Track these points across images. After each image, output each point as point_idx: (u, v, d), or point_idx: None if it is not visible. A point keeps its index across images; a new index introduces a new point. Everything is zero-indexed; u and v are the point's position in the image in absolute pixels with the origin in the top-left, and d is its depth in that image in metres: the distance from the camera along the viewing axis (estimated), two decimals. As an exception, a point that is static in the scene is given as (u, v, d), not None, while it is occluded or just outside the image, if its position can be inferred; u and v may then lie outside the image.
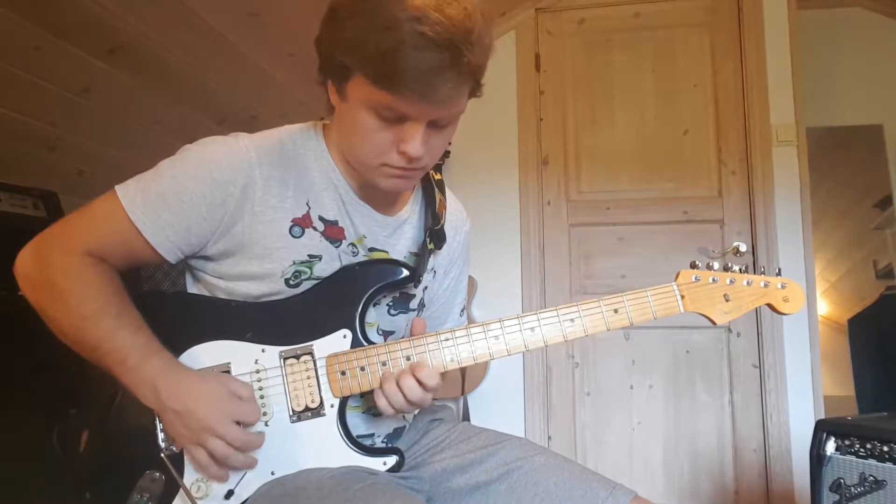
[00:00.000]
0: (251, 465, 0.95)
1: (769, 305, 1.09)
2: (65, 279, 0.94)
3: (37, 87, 1.86)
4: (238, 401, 0.93)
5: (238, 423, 0.92)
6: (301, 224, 0.99)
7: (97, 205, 0.98)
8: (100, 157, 2.19)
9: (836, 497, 1.50)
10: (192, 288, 1.07)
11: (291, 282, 0.99)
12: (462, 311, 1.26)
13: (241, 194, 0.96)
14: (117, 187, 0.97)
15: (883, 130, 3.38)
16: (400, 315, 1.10)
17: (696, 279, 1.06)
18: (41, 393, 1.65)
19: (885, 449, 1.44)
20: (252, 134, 1.01)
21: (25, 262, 0.96)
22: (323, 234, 1.01)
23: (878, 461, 1.45)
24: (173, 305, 1.01)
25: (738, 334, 2.64)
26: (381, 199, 1.08)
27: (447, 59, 0.83)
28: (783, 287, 1.08)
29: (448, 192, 1.20)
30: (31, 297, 0.96)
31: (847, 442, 1.51)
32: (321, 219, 1.01)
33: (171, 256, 0.98)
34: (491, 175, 2.85)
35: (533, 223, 2.84)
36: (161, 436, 0.95)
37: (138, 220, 0.95)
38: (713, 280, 1.07)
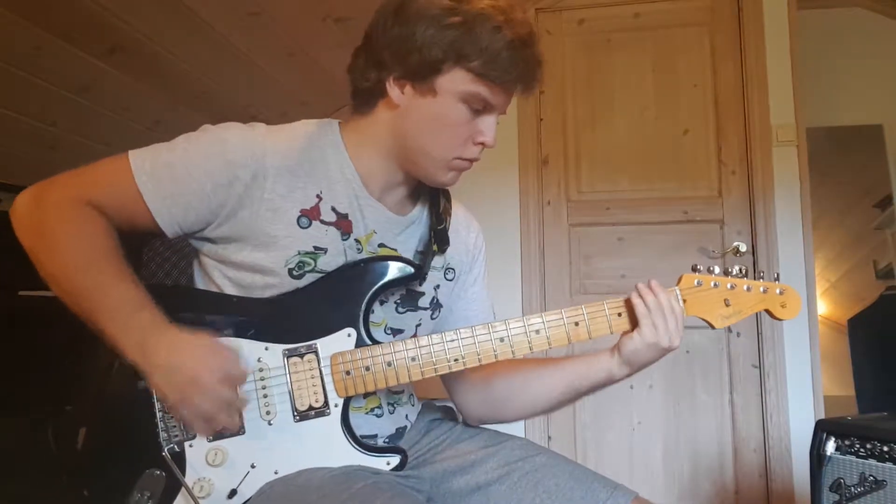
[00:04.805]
0: (237, 425, 0.94)
1: (767, 311, 1.10)
2: (62, 226, 0.94)
3: (37, 87, 1.86)
4: (226, 357, 0.92)
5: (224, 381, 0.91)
6: (309, 215, 1.00)
7: (107, 162, 0.99)
8: (100, 158, 2.18)
9: (836, 497, 1.50)
10: (198, 273, 1.07)
11: (295, 272, 0.99)
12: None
13: (252, 180, 0.96)
14: (130, 151, 0.98)
15: (883, 130, 3.39)
16: (408, 313, 1.10)
17: (699, 283, 1.07)
18: (37, 390, 1.65)
19: (885, 449, 1.44)
20: (269, 126, 1.02)
21: (24, 204, 0.96)
22: (333, 224, 1.01)
23: (878, 461, 1.45)
24: (174, 300, 1.00)
25: (738, 334, 2.63)
26: (395, 199, 1.09)
27: (540, 53, 0.99)
28: (781, 293, 1.10)
29: (456, 202, 1.20)
30: (24, 240, 0.95)
31: (847, 442, 1.51)
32: (333, 210, 1.02)
33: (169, 230, 0.98)
34: (491, 175, 2.84)
35: (533, 223, 2.84)
36: (162, 435, 0.95)
37: (143, 185, 0.95)
38: (714, 285, 1.07)
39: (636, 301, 1.02)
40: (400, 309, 1.09)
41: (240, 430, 0.96)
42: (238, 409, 0.94)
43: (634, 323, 1.03)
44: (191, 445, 0.95)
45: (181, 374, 0.89)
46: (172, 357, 0.89)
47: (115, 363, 0.96)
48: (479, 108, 0.99)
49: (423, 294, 1.11)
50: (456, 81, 0.96)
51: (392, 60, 0.98)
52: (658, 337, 1.01)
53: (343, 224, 1.03)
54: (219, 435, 0.95)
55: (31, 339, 1.65)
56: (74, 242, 0.94)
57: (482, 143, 1.02)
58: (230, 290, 1.02)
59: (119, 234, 0.99)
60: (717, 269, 1.08)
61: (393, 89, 0.99)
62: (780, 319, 1.10)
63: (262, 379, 0.97)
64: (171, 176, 0.96)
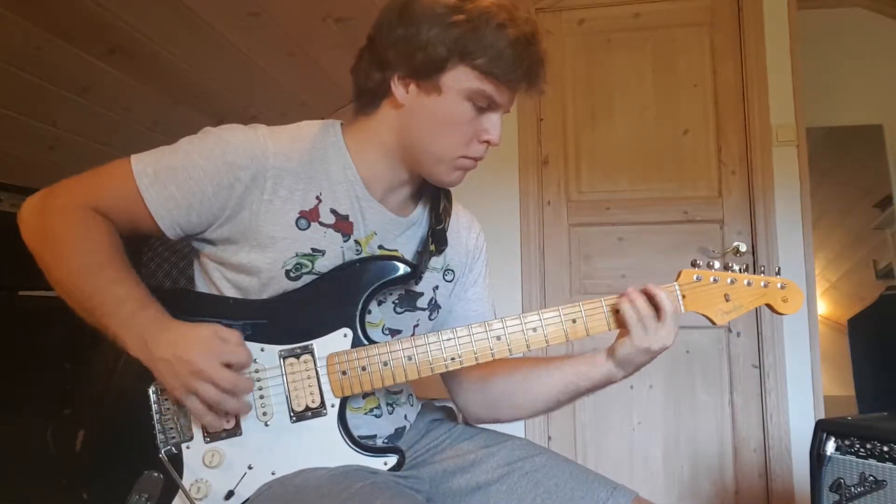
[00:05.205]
0: (245, 410, 0.95)
1: (768, 306, 1.08)
2: (67, 231, 0.96)
3: (37, 87, 1.86)
4: (226, 343, 0.92)
5: (228, 366, 0.91)
6: (307, 217, 1.00)
7: (111, 167, 1.00)
8: (100, 157, 2.18)
9: (836, 497, 1.50)
10: (198, 274, 1.08)
11: (292, 274, 0.99)
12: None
13: (252, 182, 0.97)
14: (133, 155, 0.99)
15: (883, 130, 3.39)
16: (406, 313, 1.10)
17: (698, 279, 1.06)
18: (36, 392, 1.66)
19: (885, 449, 1.44)
20: (271, 126, 1.03)
21: (30, 210, 0.99)
22: (333, 226, 1.02)
23: (878, 461, 1.45)
24: (172, 302, 1.01)
25: (738, 334, 2.63)
26: (398, 201, 1.09)
27: (544, 51, 1.01)
28: (783, 287, 1.08)
29: (457, 204, 1.20)
30: (30, 243, 0.98)
31: (847, 442, 1.51)
32: (332, 211, 1.02)
33: (170, 231, 0.99)
34: (491, 175, 2.84)
35: (533, 223, 2.84)
36: (160, 437, 0.95)
37: (144, 189, 0.97)
38: (714, 280, 1.06)
39: (625, 307, 1.02)
40: (398, 309, 1.09)
41: (237, 432, 0.96)
42: (245, 393, 0.94)
43: (627, 328, 1.03)
44: (188, 447, 0.95)
45: (184, 365, 0.89)
46: (175, 350, 0.90)
47: (114, 365, 0.97)
48: (484, 105, 0.99)
49: (421, 294, 1.11)
50: (461, 79, 0.97)
51: (397, 60, 0.98)
52: (650, 342, 1.01)
53: (343, 225, 1.03)
54: (216, 436, 0.95)
55: (31, 339, 1.65)
56: (79, 246, 0.95)
57: (487, 142, 1.02)
58: (230, 291, 1.03)
59: (122, 236, 1.00)
60: (716, 265, 1.07)
61: (398, 88, 1.00)
62: (781, 314, 1.08)
63: (259, 380, 0.97)
64: (172, 179, 0.97)
